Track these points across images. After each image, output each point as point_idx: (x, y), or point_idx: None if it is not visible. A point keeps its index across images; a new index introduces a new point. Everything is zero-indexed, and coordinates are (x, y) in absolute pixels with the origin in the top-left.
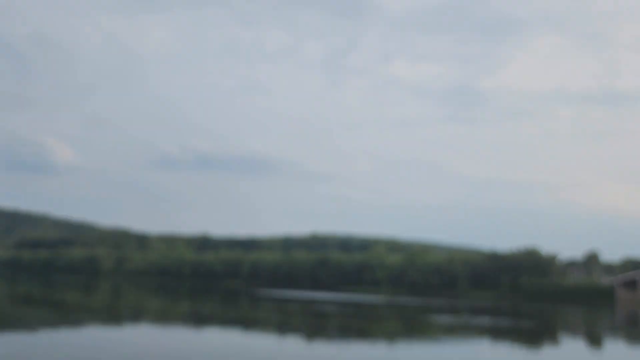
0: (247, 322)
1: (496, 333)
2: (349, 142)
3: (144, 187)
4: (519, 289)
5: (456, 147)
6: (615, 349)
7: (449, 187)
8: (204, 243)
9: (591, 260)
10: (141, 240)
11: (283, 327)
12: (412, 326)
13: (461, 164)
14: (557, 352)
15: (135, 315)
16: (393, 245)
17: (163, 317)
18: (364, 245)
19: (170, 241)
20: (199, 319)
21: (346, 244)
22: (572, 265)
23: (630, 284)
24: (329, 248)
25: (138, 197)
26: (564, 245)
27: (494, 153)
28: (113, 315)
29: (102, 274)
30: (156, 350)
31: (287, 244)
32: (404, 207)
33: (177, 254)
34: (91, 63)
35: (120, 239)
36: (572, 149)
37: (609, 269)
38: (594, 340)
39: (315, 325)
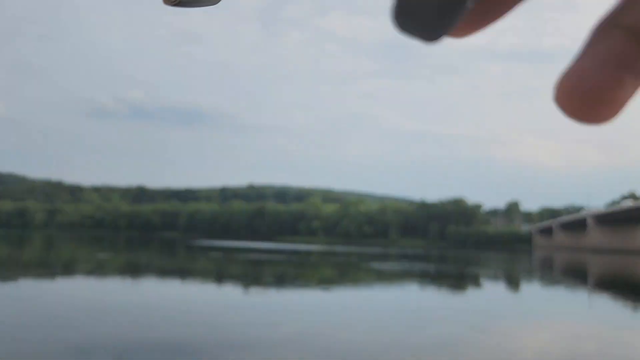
0: (185, 273)
1: (424, 278)
2: (285, 94)
3: (76, 138)
4: (447, 236)
5: (389, 100)
6: (531, 290)
7: (382, 139)
8: (139, 195)
9: (512, 209)
10: (74, 192)
11: (221, 276)
12: (346, 273)
13: (394, 117)
14: (479, 294)
15: (70, 268)
16: (328, 196)
17: (99, 269)
18: (300, 195)
19: (104, 193)
20: (136, 271)
21: (282, 195)
22: (495, 213)
23: (547, 231)
24: (265, 199)
25: (70, 148)
26: (488, 195)
27: (425, 107)
28: (46, 268)
29: (33, 227)
30: (93, 302)
31: (224, 195)
32: (338, 159)
33: (112, 205)
34: (14, 5)
35: (52, 191)
36: (497, 105)
37: (528, 217)
38: (513, 282)
39: (253, 273)
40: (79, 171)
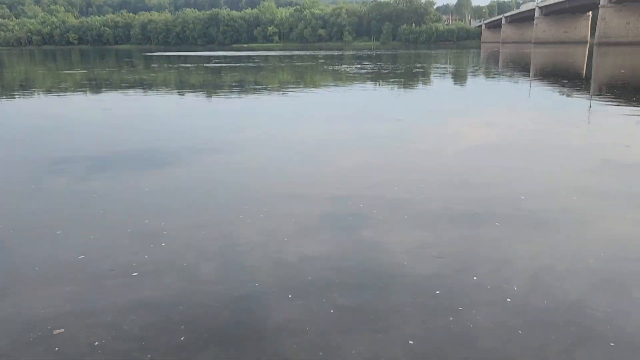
0: (146, 84)
1: (378, 78)
2: None
3: None
4: (399, 36)
5: None
6: (475, 81)
7: None
8: (86, 6)
9: (463, 4)
10: (14, 6)
11: (182, 85)
12: (303, 76)
13: None
14: (428, 89)
15: (28, 86)
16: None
17: (60, 85)
18: (254, 1)
19: (47, 5)
20: (97, 85)
21: (235, 1)
22: (446, 10)
23: (495, 26)
24: (218, 5)
25: None
26: None
27: None
28: (7, 89)
29: None
30: (63, 118)
31: (175, 3)
32: None
33: (59, 19)
34: None
35: None
36: None
37: (479, 12)
38: (459, 77)
39: (214, 81)
40: None
